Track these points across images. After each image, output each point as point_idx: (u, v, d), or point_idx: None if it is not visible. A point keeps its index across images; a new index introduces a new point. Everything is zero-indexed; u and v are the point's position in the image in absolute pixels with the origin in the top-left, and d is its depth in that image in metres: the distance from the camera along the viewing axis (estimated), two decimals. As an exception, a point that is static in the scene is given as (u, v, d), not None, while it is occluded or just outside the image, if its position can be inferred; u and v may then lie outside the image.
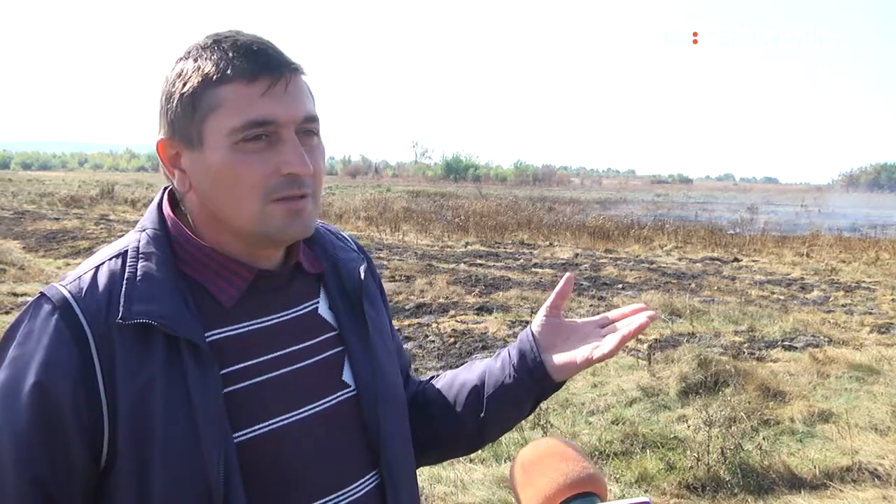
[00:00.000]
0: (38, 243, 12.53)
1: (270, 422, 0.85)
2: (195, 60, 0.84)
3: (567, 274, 1.06)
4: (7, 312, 6.84)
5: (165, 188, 0.93)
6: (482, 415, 1.03)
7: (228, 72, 0.81)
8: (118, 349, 0.78)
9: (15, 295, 7.63)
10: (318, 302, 0.96)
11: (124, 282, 0.82)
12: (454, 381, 1.08)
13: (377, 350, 0.98)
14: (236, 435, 0.82)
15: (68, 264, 10.30)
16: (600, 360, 0.96)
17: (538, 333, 1.03)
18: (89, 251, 11.23)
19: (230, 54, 0.82)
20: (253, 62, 0.82)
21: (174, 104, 0.84)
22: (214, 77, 0.81)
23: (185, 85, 0.83)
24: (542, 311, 1.04)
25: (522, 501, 0.71)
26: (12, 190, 28.79)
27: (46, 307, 0.80)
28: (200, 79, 0.82)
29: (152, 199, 0.93)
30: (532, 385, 1.01)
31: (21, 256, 10.79)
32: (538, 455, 0.73)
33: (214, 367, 0.81)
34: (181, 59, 0.85)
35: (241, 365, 0.85)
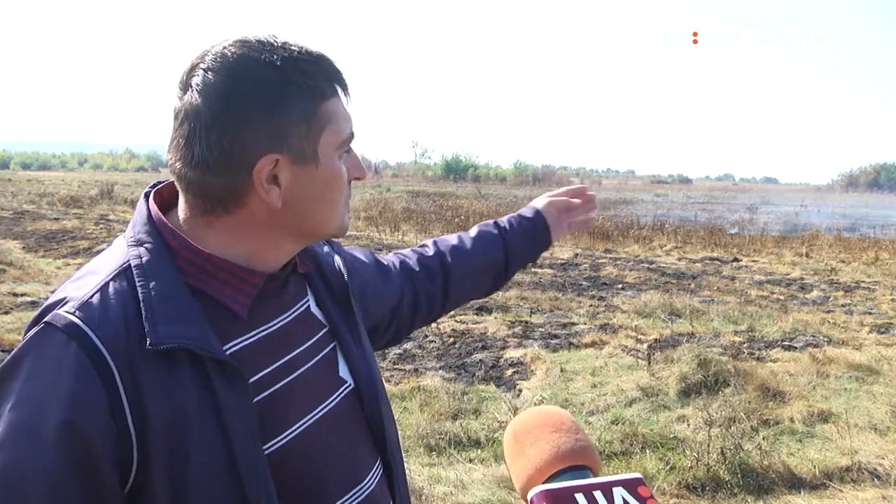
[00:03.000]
0: (38, 243, 12.52)
1: (293, 428, 0.85)
2: (298, 71, 0.80)
3: (585, 185, 1.46)
4: (6, 312, 6.83)
5: (146, 196, 0.88)
6: (501, 281, 1.35)
7: (333, 87, 0.84)
8: (143, 376, 0.74)
9: (15, 295, 7.62)
10: (308, 300, 0.97)
11: (141, 304, 0.76)
12: (472, 256, 1.29)
13: (366, 342, 1.03)
14: (266, 447, 0.81)
15: (68, 264, 10.29)
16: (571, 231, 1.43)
17: (543, 211, 1.37)
18: (89, 251, 11.22)
19: (324, 66, 0.84)
20: (339, 74, 0.86)
21: (285, 120, 0.80)
22: (326, 93, 0.83)
23: (299, 99, 0.80)
24: (550, 199, 1.38)
25: (513, 472, 0.69)
26: (12, 190, 28.75)
27: (57, 337, 0.73)
28: (313, 95, 0.82)
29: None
30: (537, 250, 1.36)
31: (21, 256, 10.78)
32: (531, 425, 0.70)
33: (245, 382, 0.80)
34: (269, 66, 0.79)
35: (261, 374, 0.84)
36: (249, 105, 0.79)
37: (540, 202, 1.38)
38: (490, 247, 1.30)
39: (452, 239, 1.30)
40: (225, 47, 0.80)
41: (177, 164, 0.81)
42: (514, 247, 1.31)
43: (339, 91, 0.86)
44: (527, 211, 1.37)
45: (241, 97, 0.78)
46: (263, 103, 0.79)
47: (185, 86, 0.80)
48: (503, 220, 1.35)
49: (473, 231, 1.33)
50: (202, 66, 0.79)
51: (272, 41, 0.81)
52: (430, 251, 1.27)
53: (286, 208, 0.83)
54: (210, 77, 0.78)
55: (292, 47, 0.82)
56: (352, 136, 0.88)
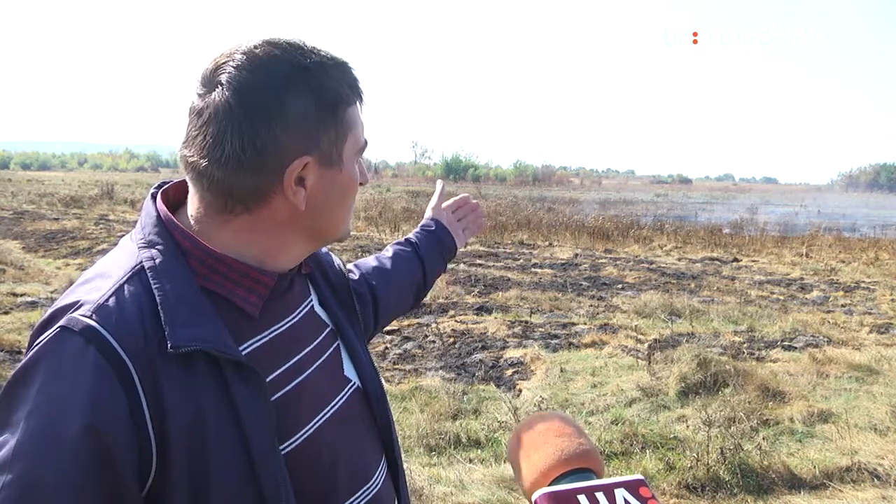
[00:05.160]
0: (38, 243, 12.51)
1: (306, 429, 0.85)
2: (326, 75, 0.81)
3: (440, 181, 1.51)
4: (6, 313, 6.82)
5: (153, 196, 0.87)
6: (421, 294, 1.41)
7: (356, 94, 0.86)
8: (163, 380, 0.73)
9: (14, 295, 7.60)
10: (312, 300, 0.97)
11: (159, 307, 0.76)
12: (394, 275, 1.33)
13: (365, 341, 1.05)
14: (282, 447, 0.81)
15: (68, 264, 10.28)
16: (468, 238, 1.50)
17: (440, 220, 1.44)
18: (89, 251, 11.22)
19: (348, 72, 0.85)
20: (359, 85, 0.87)
21: (318, 123, 0.81)
22: (350, 99, 0.85)
23: (329, 102, 0.82)
24: (434, 207, 1.45)
25: (518, 476, 0.71)
26: (12, 190, 28.75)
27: (75, 341, 0.72)
28: (340, 100, 0.83)
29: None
30: (447, 258, 1.43)
31: (21, 256, 10.78)
32: (535, 430, 0.72)
33: (262, 383, 0.79)
34: (301, 69, 0.80)
35: (274, 374, 0.84)
36: (284, 106, 0.78)
37: (432, 212, 1.46)
38: (408, 264, 1.36)
39: (372, 261, 1.34)
40: (255, 46, 0.79)
41: (201, 161, 0.79)
42: (428, 259, 1.38)
43: (361, 99, 0.87)
44: (427, 223, 1.44)
45: (276, 97, 0.78)
46: (298, 105, 0.79)
47: (212, 83, 0.78)
48: (412, 236, 1.41)
49: (389, 251, 1.38)
50: (232, 63, 0.78)
51: (301, 44, 0.81)
52: (356, 275, 1.28)
53: (307, 210, 0.84)
54: (244, 75, 0.77)
55: (321, 52, 0.83)
56: (366, 143, 0.90)
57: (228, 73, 0.78)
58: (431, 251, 1.39)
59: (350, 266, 1.31)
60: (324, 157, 0.82)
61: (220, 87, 0.78)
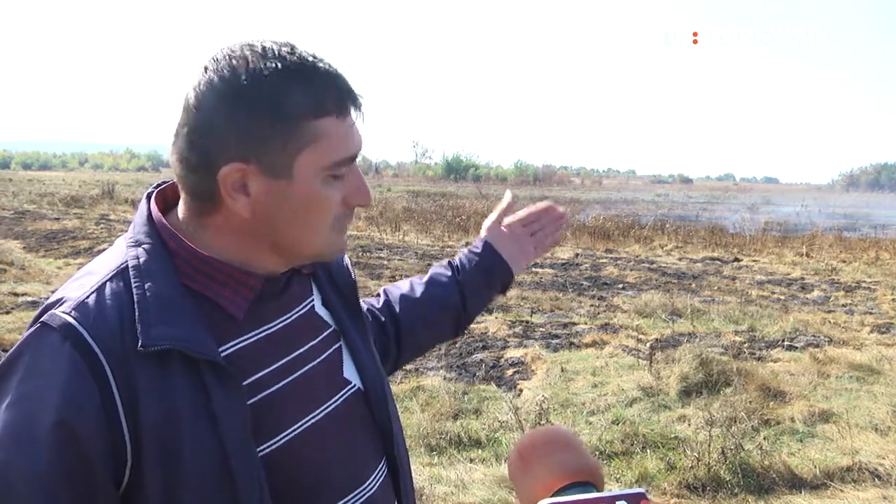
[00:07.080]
0: (39, 243, 12.52)
1: (290, 430, 0.85)
2: (284, 83, 0.78)
3: (508, 191, 1.34)
4: (7, 312, 6.84)
5: (148, 196, 0.88)
6: (462, 323, 1.27)
7: (327, 105, 0.80)
8: (138, 377, 0.74)
9: (15, 295, 7.62)
10: (313, 300, 0.96)
11: (135, 304, 0.77)
12: (423, 304, 1.22)
13: (371, 342, 1.03)
14: (260, 448, 0.81)
15: (68, 264, 10.30)
16: (539, 255, 1.32)
17: (491, 241, 1.27)
18: (89, 251, 11.22)
19: (323, 83, 0.80)
20: (344, 94, 0.82)
21: (259, 131, 0.78)
22: (318, 111, 0.79)
23: (278, 112, 0.78)
24: (489, 225, 1.28)
25: (520, 489, 0.72)
26: (12, 190, 28.75)
27: (52, 337, 0.74)
28: (300, 109, 0.78)
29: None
30: (497, 285, 1.27)
31: (21, 256, 10.79)
32: (536, 444, 0.73)
33: (239, 384, 0.80)
34: (255, 75, 0.77)
35: (257, 375, 0.84)
36: (229, 111, 0.78)
37: (486, 231, 1.29)
38: (443, 291, 1.23)
39: (403, 286, 1.25)
40: (230, 51, 0.80)
41: (172, 157, 0.82)
42: (470, 287, 1.24)
43: (348, 111, 0.82)
44: (475, 245, 1.28)
45: (224, 103, 0.78)
46: (242, 112, 0.78)
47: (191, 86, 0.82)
48: (456, 259, 1.27)
49: (428, 274, 1.27)
50: (205, 65, 0.80)
51: (276, 50, 0.79)
52: (380, 302, 1.23)
53: (258, 220, 0.82)
54: (204, 78, 0.79)
55: (293, 58, 0.79)
56: (348, 159, 0.83)
57: (198, 77, 0.80)
58: (473, 277, 1.24)
59: (380, 290, 1.27)
60: (266, 166, 0.79)
61: (192, 89, 0.80)
